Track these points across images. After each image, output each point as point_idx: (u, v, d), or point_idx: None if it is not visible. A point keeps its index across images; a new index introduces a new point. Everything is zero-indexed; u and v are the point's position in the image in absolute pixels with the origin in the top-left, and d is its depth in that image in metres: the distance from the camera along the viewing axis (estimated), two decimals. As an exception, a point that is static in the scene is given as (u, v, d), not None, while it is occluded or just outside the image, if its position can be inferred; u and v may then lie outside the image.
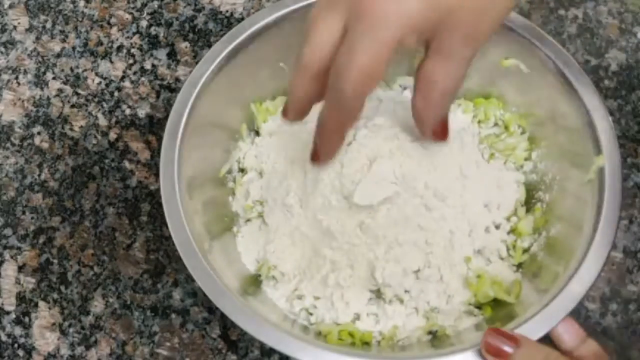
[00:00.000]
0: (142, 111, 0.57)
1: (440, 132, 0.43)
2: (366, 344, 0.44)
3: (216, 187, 0.49)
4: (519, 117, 0.50)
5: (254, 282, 0.46)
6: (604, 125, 0.44)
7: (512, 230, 0.47)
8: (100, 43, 0.59)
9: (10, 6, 0.61)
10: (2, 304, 0.52)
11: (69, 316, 0.51)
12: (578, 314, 0.49)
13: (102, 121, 0.57)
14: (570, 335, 0.40)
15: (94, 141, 0.56)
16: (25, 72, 0.59)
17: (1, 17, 0.61)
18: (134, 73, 0.58)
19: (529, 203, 0.48)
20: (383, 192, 0.43)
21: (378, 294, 0.45)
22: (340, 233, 0.44)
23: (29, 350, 0.51)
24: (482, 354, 0.38)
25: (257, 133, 0.51)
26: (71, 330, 0.51)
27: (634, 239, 0.52)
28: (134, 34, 0.60)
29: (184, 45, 0.59)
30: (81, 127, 0.57)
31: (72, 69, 0.59)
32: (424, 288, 0.44)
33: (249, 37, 0.47)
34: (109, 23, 0.60)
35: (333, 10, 0.38)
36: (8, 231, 0.54)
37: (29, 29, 0.60)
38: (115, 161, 0.55)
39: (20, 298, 0.52)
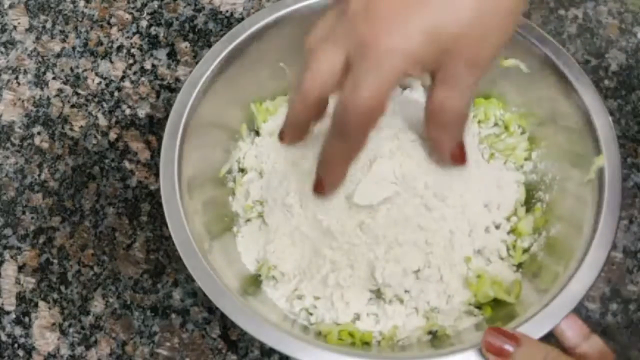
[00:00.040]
0: (142, 111, 0.57)
1: (459, 156, 0.43)
2: (366, 344, 0.44)
3: (216, 187, 0.49)
4: (519, 117, 0.50)
5: (254, 282, 0.46)
6: (604, 125, 0.44)
7: (512, 230, 0.47)
8: (100, 43, 0.59)
9: (10, 6, 0.61)
10: (2, 304, 0.52)
11: (69, 316, 0.51)
12: (578, 314, 0.48)
13: (102, 121, 0.57)
14: (573, 331, 0.40)
15: (94, 141, 0.56)
16: (25, 72, 0.59)
17: (1, 17, 0.61)
18: (134, 73, 0.58)
19: (529, 203, 0.48)
20: (383, 192, 0.43)
21: (378, 294, 0.45)
22: (340, 233, 0.44)
23: (29, 350, 0.51)
24: (483, 353, 0.38)
25: (257, 133, 0.51)
26: (71, 330, 0.51)
27: (634, 239, 0.52)
28: (134, 34, 0.60)
29: (184, 45, 0.59)
30: (81, 127, 0.57)
31: (72, 69, 0.59)
32: (424, 288, 0.44)
33: (249, 37, 0.47)
34: (109, 23, 0.60)
35: (334, 43, 0.39)
36: (8, 231, 0.54)
37: (29, 29, 0.60)
38: (115, 161, 0.55)
39: (20, 298, 0.52)
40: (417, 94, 0.50)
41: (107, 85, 0.58)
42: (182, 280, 0.52)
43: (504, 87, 0.50)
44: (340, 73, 0.39)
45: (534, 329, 0.39)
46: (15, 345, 0.51)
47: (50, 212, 0.54)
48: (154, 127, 0.56)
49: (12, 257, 0.53)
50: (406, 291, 0.44)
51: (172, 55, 0.59)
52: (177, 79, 0.58)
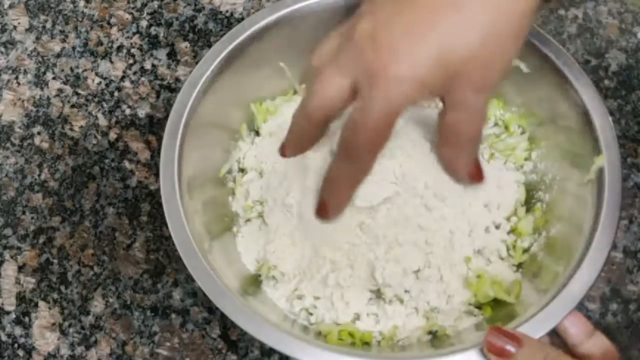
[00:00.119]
0: (142, 111, 0.57)
1: (476, 175, 0.44)
2: (366, 344, 0.44)
3: (216, 187, 0.49)
4: (519, 117, 0.50)
5: (254, 282, 0.46)
6: (604, 125, 0.44)
7: (512, 230, 0.47)
8: (100, 43, 0.59)
9: (10, 6, 0.61)
10: (2, 304, 0.52)
11: (69, 316, 0.51)
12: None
13: (102, 121, 0.57)
14: (577, 328, 0.40)
15: (94, 141, 0.56)
16: (25, 72, 0.59)
17: (1, 17, 0.61)
18: (134, 73, 0.58)
19: (529, 203, 0.48)
20: (383, 192, 0.43)
21: (378, 294, 0.45)
22: (340, 233, 0.44)
23: (29, 350, 0.51)
24: (485, 353, 0.38)
25: (257, 133, 0.51)
26: (71, 330, 0.51)
27: (634, 239, 0.52)
28: (134, 34, 0.60)
29: (184, 45, 0.59)
30: (81, 127, 0.57)
31: (72, 69, 0.59)
32: (424, 288, 0.44)
33: (249, 37, 0.47)
34: (109, 23, 0.60)
35: (341, 68, 0.39)
36: (8, 231, 0.54)
37: (29, 29, 0.60)
38: (115, 161, 0.55)
39: (20, 298, 0.52)
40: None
41: (107, 85, 0.58)
42: (182, 280, 0.52)
43: (504, 87, 0.50)
44: (347, 98, 0.40)
45: (534, 329, 0.39)
46: (15, 345, 0.51)
47: (50, 212, 0.54)
48: (154, 127, 0.56)
49: (12, 257, 0.53)
50: (406, 291, 0.44)
51: (172, 55, 0.59)
52: (177, 79, 0.58)
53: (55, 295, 0.52)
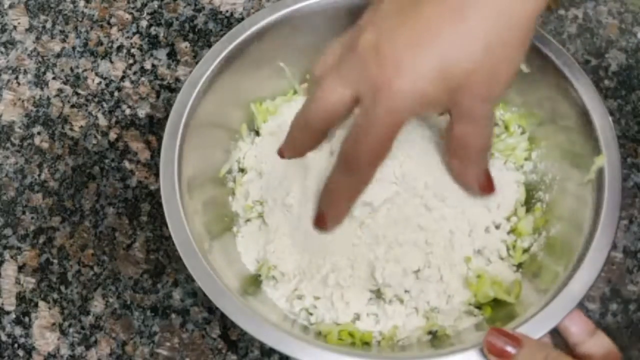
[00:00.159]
0: (142, 111, 0.57)
1: (487, 186, 0.44)
2: (366, 344, 0.44)
3: (216, 187, 0.49)
4: (519, 117, 0.50)
5: (254, 282, 0.46)
6: (604, 125, 0.44)
7: (512, 230, 0.47)
8: (100, 43, 0.59)
9: (10, 6, 0.61)
10: (2, 304, 0.52)
11: (69, 316, 0.51)
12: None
13: (102, 121, 0.57)
14: (578, 327, 0.40)
15: (94, 141, 0.56)
16: (25, 72, 0.59)
17: (1, 17, 0.61)
18: (134, 73, 0.58)
19: (529, 203, 0.48)
20: (383, 192, 0.43)
21: (378, 294, 0.45)
22: (340, 233, 0.44)
23: (29, 350, 0.51)
24: (485, 353, 0.38)
25: (257, 133, 0.51)
26: (71, 330, 0.51)
27: (634, 239, 0.52)
28: (134, 34, 0.60)
29: (184, 45, 0.59)
30: (81, 127, 0.57)
31: (72, 69, 0.59)
32: (424, 288, 0.44)
33: (249, 37, 0.47)
34: (109, 23, 0.60)
35: (343, 79, 0.39)
36: (8, 231, 0.54)
37: (29, 29, 0.60)
38: (115, 161, 0.55)
39: (20, 298, 0.52)
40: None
41: (107, 85, 0.58)
42: (182, 280, 0.52)
43: (504, 87, 0.49)
44: (347, 108, 0.40)
45: (534, 329, 0.39)
46: (15, 345, 0.51)
47: (50, 212, 0.54)
48: (154, 127, 0.56)
49: (12, 257, 0.53)
50: (406, 291, 0.44)
51: (172, 55, 0.59)
52: (177, 79, 0.58)
53: (55, 295, 0.52)
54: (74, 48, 0.59)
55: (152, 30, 0.60)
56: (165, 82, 0.58)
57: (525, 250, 0.46)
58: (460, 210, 0.45)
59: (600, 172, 0.43)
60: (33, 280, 0.52)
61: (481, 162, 0.43)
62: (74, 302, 0.52)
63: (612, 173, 0.42)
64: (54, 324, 0.51)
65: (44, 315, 0.51)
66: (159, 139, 0.54)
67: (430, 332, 0.44)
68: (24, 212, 0.54)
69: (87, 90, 0.58)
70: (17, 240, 0.53)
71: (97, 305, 0.51)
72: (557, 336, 0.41)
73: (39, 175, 0.55)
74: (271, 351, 0.50)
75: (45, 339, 0.51)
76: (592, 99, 0.44)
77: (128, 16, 0.60)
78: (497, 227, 0.47)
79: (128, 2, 0.61)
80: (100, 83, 0.58)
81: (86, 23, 0.60)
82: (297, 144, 0.43)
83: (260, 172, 0.49)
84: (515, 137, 0.49)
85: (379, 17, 0.39)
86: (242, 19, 0.59)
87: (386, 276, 0.44)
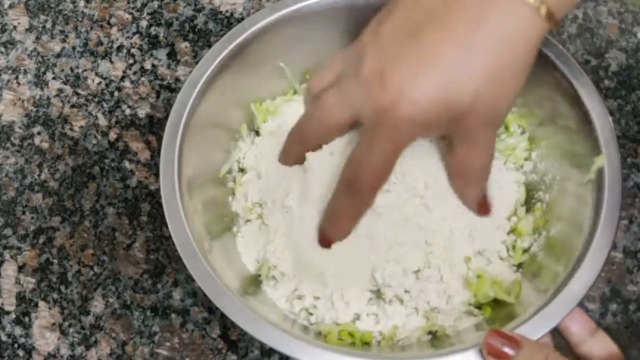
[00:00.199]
0: (142, 111, 0.57)
1: (484, 207, 0.44)
2: (366, 344, 0.44)
3: (216, 187, 0.49)
4: (519, 117, 0.50)
5: (254, 282, 0.46)
6: (604, 125, 0.44)
7: (512, 230, 0.47)
8: (100, 43, 0.59)
9: (10, 6, 0.61)
10: (2, 304, 0.52)
11: (69, 316, 0.51)
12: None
13: (102, 121, 0.57)
14: (579, 326, 0.40)
15: (94, 141, 0.56)
16: (25, 72, 0.59)
17: (1, 17, 0.61)
18: (134, 73, 0.58)
19: (529, 203, 0.48)
20: (383, 193, 0.43)
21: (378, 294, 0.45)
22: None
23: (29, 350, 0.51)
24: (484, 355, 0.38)
25: (257, 133, 0.51)
26: (71, 330, 0.51)
27: (634, 239, 0.52)
28: (134, 34, 0.60)
29: (184, 45, 0.59)
30: (81, 127, 0.57)
31: (72, 69, 0.59)
32: (424, 288, 0.44)
33: (249, 37, 0.47)
34: (109, 23, 0.60)
35: (345, 100, 0.40)
36: (8, 231, 0.54)
37: (29, 29, 0.60)
38: (115, 161, 0.55)
39: (20, 298, 0.52)
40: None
41: (107, 85, 0.58)
42: (182, 280, 0.52)
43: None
44: (345, 129, 0.41)
45: (533, 329, 0.39)
46: (15, 345, 0.51)
47: (50, 212, 0.54)
48: (154, 127, 0.56)
49: (12, 257, 0.53)
50: (406, 291, 0.44)
51: (172, 55, 0.59)
52: (177, 79, 0.58)
53: (55, 295, 0.52)
54: (74, 48, 0.59)
55: (152, 30, 0.60)
56: (165, 82, 0.58)
57: (525, 250, 0.46)
58: (460, 210, 0.45)
59: (600, 172, 0.43)
60: (33, 280, 0.52)
61: (480, 183, 0.43)
62: (74, 302, 0.52)
63: (612, 173, 0.42)
64: (54, 324, 0.51)
65: (44, 315, 0.51)
66: (159, 139, 0.54)
67: (430, 332, 0.44)
68: (24, 212, 0.54)
69: (87, 90, 0.58)
70: (17, 240, 0.53)
71: (97, 305, 0.51)
72: (558, 336, 0.41)
73: (39, 175, 0.55)
74: (271, 351, 0.50)
75: (45, 339, 0.51)
76: (592, 99, 0.44)
77: (128, 16, 0.60)
78: (497, 227, 0.47)
79: (128, 2, 0.61)
80: (100, 83, 0.58)
81: (86, 23, 0.60)
82: (292, 155, 0.45)
83: (260, 173, 0.49)
84: (515, 137, 0.49)
85: (382, 41, 0.39)
86: (242, 19, 0.59)
87: (386, 276, 0.44)
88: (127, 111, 0.57)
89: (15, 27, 0.60)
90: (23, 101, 0.58)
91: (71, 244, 0.53)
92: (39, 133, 0.57)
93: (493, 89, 0.38)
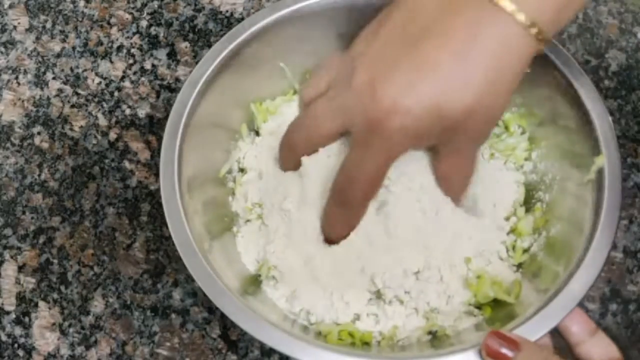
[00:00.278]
0: (142, 111, 0.57)
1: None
2: (366, 344, 0.44)
3: (216, 187, 0.49)
4: (519, 117, 0.50)
5: (254, 282, 0.46)
6: (603, 125, 0.44)
7: (512, 231, 0.47)
8: (100, 43, 0.59)
9: (10, 6, 0.61)
10: (2, 304, 0.52)
11: (69, 316, 0.51)
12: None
13: (102, 121, 0.57)
14: (579, 326, 0.40)
15: (94, 141, 0.56)
16: (25, 72, 0.59)
17: (1, 17, 0.61)
18: (134, 73, 0.58)
19: (528, 203, 0.48)
20: (381, 194, 0.43)
21: (378, 294, 0.45)
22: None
23: (29, 350, 0.51)
24: (483, 357, 0.38)
25: (257, 133, 0.51)
26: (71, 330, 0.51)
27: (634, 239, 0.52)
28: (134, 34, 0.60)
29: (184, 45, 0.59)
30: (81, 127, 0.57)
31: (72, 69, 0.59)
32: (424, 289, 0.44)
33: (249, 37, 0.47)
34: (109, 23, 0.60)
35: (337, 111, 0.40)
36: (8, 231, 0.54)
37: (29, 29, 0.60)
38: (115, 161, 0.55)
39: (20, 298, 0.52)
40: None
41: (107, 85, 0.58)
42: (182, 280, 0.52)
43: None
44: (334, 139, 0.42)
45: (533, 329, 0.39)
46: (15, 345, 0.51)
47: (50, 212, 0.54)
48: (154, 127, 0.56)
49: (12, 257, 0.53)
50: (406, 292, 0.44)
51: (172, 55, 0.59)
52: (177, 79, 0.58)
53: (55, 295, 0.52)
54: (74, 48, 0.59)
55: (152, 30, 0.60)
56: (165, 82, 0.58)
57: (525, 250, 0.46)
58: (460, 210, 0.45)
59: (600, 172, 0.43)
60: (33, 280, 0.52)
61: (460, 193, 0.44)
62: (74, 302, 0.52)
63: (612, 173, 0.42)
64: (54, 324, 0.51)
65: (44, 315, 0.51)
66: (159, 139, 0.54)
67: (430, 332, 0.44)
68: (24, 212, 0.54)
69: (87, 90, 0.58)
70: (17, 240, 0.53)
71: (97, 305, 0.51)
72: (557, 336, 0.41)
73: (39, 175, 0.55)
74: (271, 351, 0.50)
75: (45, 339, 0.51)
76: (592, 99, 0.44)
77: (128, 16, 0.60)
78: (497, 227, 0.47)
79: (128, 2, 0.61)
80: (100, 83, 0.58)
81: (86, 23, 0.60)
82: (287, 161, 0.45)
83: (260, 173, 0.49)
84: (515, 137, 0.49)
85: (376, 51, 0.39)
86: (242, 19, 0.59)
87: (386, 278, 0.44)
88: (127, 111, 0.57)
89: (15, 27, 0.60)
90: (23, 101, 0.58)
91: (71, 244, 0.53)
92: (39, 133, 0.57)
93: (483, 107, 0.38)
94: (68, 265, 0.52)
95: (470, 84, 0.37)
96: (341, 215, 0.43)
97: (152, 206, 0.54)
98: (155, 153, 0.55)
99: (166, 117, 0.46)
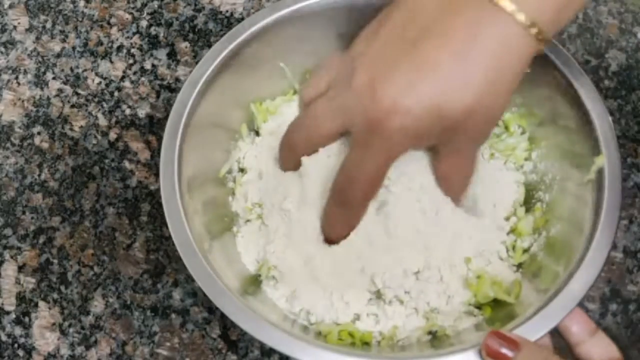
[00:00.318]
0: (142, 111, 0.57)
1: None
2: (366, 344, 0.44)
3: (216, 187, 0.49)
4: (519, 117, 0.50)
5: (254, 282, 0.46)
6: (603, 125, 0.44)
7: (512, 231, 0.47)
8: (100, 43, 0.59)
9: (10, 6, 0.61)
10: (2, 304, 0.52)
11: (69, 316, 0.51)
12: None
13: (102, 121, 0.57)
14: (579, 326, 0.40)
15: (94, 141, 0.56)
16: (25, 72, 0.59)
17: (1, 17, 0.61)
18: (134, 73, 0.58)
19: (528, 203, 0.48)
20: (381, 194, 0.43)
21: (378, 294, 0.45)
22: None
23: (29, 350, 0.51)
24: (483, 357, 0.38)
25: (257, 133, 0.51)
26: (71, 330, 0.51)
27: (634, 239, 0.52)
28: (134, 34, 0.60)
29: (184, 45, 0.59)
30: (81, 127, 0.57)
31: (72, 69, 0.59)
32: (424, 289, 0.44)
33: (249, 37, 0.47)
34: (109, 23, 0.60)
35: (336, 111, 0.40)
36: (8, 231, 0.54)
37: (29, 29, 0.60)
38: (115, 161, 0.55)
39: (20, 298, 0.52)
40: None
41: (107, 85, 0.58)
42: (182, 280, 0.52)
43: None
44: (334, 139, 0.42)
45: (533, 329, 0.39)
46: (15, 345, 0.51)
47: (50, 212, 0.54)
48: (154, 127, 0.56)
49: (12, 257, 0.53)
50: (406, 292, 0.44)
51: (172, 55, 0.59)
52: (177, 79, 0.58)
53: (55, 295, 0.52)
54: (74, 48, 0.59)
55: (152, 30, 0.60)
56: (165, 82, 0.58)
57: (525, 250, 0.46)
58: (460, 210, 0.45)
59: (600, 172, 0.43)
60: (33, 280, 0.52)
61: (460, 193, 0.44)
62: (74, 302, 0.52)
63: (612, 173, 0.42)
64: (54, 324, 0.51)
65: (44, 315, 0.51)
66: (159, 139, 0.54)
67: (430, 332, 0.44)
68: (24, 212, 0.54)
69: (87, 90, 0.58)
70: (17, 240, 0.53)
71: (97, 305, 0.51)
72: (557, 336, 0.41)
73: (39, 175, 0.55)
74: (271, 351, 0.50)
75: (45, 339, 0.51)
76: (592, 99, 0.44)
77: (128, 16, 0.60)
78: (497, 227, 0.47)
79: (128, 2, 0.61)
80: (100, 83, 0.58)
81: (86, 23, 0.60)
82: (287, 161, 0.45)
83: (260, 173, 0.49)
84: (515, 137, 0.49)
85: (376, 51, 0.39)
86: (242, 19, 0.59)
87: (386, 278, 0.44)
88: (127, 111, 0.57)
89: (15, 27, 0.60)
90: (23, 101, 0.58)
91: (71, 244, 0.53)
92: (39, 133, 0.57)
93: (483, 107, 0.38)
94: (68, 265, 0.52)
95: (470, 84, 0.37)
96: (341, 215, 0.43)
97: (152, 206, 0.54)
98: (155, 153, 0.55)
99: (166, 117, 0.46)
